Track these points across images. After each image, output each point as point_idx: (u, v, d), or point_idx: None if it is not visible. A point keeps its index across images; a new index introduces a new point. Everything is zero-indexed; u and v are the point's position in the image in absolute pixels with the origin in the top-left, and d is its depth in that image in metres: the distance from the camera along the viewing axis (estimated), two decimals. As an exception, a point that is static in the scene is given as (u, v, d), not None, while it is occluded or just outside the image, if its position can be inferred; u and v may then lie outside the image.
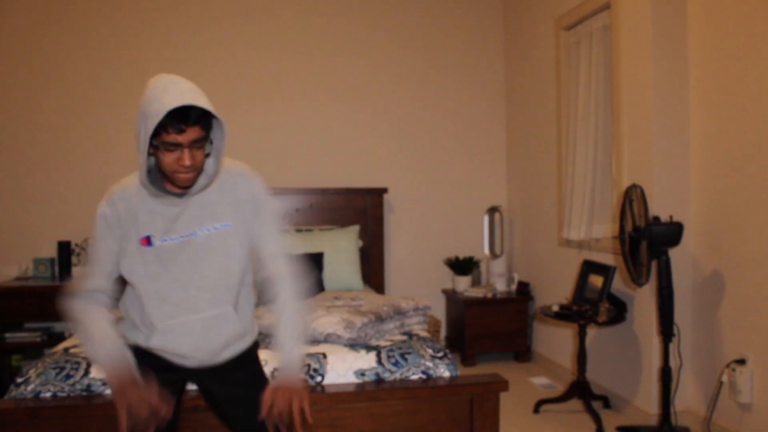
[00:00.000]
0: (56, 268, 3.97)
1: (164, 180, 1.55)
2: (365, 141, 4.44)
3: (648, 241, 2.59)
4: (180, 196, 1.56)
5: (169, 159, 1.43)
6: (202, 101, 1.41)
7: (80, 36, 4.09)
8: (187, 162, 1.42)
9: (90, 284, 1.62)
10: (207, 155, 1.52)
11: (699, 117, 2.86)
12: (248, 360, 1.75)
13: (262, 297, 1.71)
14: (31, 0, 4.03)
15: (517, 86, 4.44)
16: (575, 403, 3.25)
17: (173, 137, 1.40)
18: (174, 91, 1.39)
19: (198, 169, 1.49)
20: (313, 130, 4.36)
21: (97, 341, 1.55)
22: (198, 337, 1.60)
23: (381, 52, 4.46)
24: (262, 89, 4.29)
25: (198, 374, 1.70)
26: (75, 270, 4.00)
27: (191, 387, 2.13)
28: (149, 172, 1.55)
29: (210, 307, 1.60)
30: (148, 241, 1.57)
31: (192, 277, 1.58)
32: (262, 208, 1.66)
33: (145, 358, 1.63)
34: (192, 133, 1.42)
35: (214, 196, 1.60)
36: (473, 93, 4.60)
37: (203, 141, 1.46)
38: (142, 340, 1.65)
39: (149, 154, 1.46)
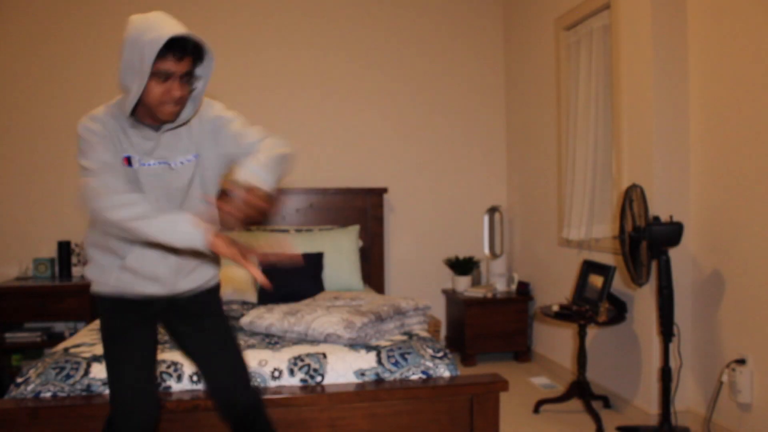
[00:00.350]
0: (56, 268, 3.98)
1: (142, 112, 1.55)
2: (365, 141, 4.44)
3: (648, 241, 2.59)
4: (155, 129, 1.58)
5: (158, 90, 1.45)
6: (199, 38, 1.46)
7: (81, 36, 4.09)
8: (178, 93, 1.45)
9: (115, 187, 1.51)
10: (191, 91, 1.54)
11: (699, 117, 2.86)
12: (213, 300, 1.81)
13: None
14: (31, 1, 4.03)
15: (517, 86, 4.44)
16: (575, 403, 3.25)
17: (169, 66, 1.42)
18: (169, 22, 1.44)
19: (183, 104, 1.52)
20: (312, 130, 4.36)
21: (167, 218, 1.48)
22: (172, 258, 1.64)
23: (381, 52, 4.46)
24: (262, 89, 4.29)
25: (164, 311, 1.73)
26: (75, 270, 4.00)
27: (183, 388, 2.13)
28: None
29: None
30: (128, 161, 1.57)
31: (170, 203, 1.62)
32: (223, 124, 1.69)
33: (113, 306, 1.66)
34: (186, 64, 1.45)
35: (184, 129, 1.63)
36: (473, 93, 4.60)
37: (192, 76, 1.50)
38: (110, 278, 1.64)
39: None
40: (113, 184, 1.49)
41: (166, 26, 1.41)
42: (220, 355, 1.73)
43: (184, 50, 1.43)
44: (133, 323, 1.66)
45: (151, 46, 1.38)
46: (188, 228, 1.44)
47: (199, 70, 1.54)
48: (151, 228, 1.44)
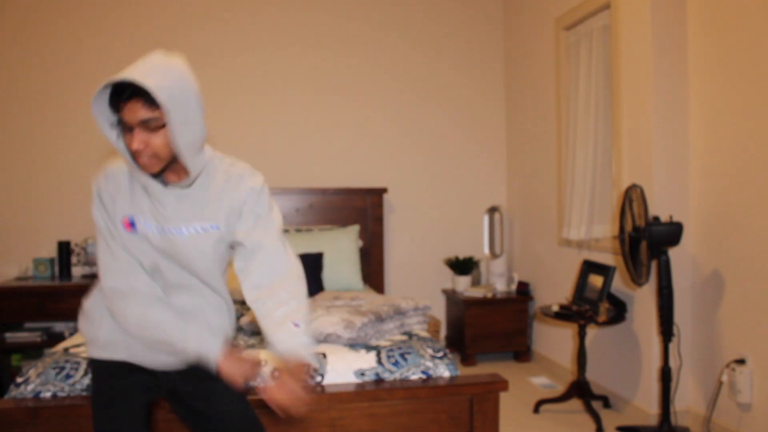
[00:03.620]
0: (56, 268, 3.97)
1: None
2: (365, 141, 4.44)
3: (648, 241, 2.59)
4: (166, 185, 1.47)
5: (126, 141, 1.35)
6: (151, 79, 1.27)
7: (81, 35, 4.09)
8: (134, 145, 1.32)
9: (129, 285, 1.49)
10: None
11: (699, 117, 2.86)
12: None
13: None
14: (32, 2, 4.03)
15: (517, 86, 4.44)
16: (575, 403, 3.25)
17: (123, 114, 1.32)
18: (132, 65, 1.32)
19: (157, 156, 1.35)
20: (313, 130, 4.36)
21: (180, 327, 1.46)
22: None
23: (381, 51, 4.45)
24: (262, 89, 4.29)
25: (166, 378, 1.61)
26: (75, 270, 4.00)
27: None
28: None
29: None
30: (131, 224, 1.47)
31: (173, 272, 1.53)
32: (253, 202, 1.55)
33: (116, 372, 1.55)
34: (134, 111, 1.30)
35: (208, 193, 1.51)
36: (473, 93, 4.60)
37: (157, 123, 1.32)
38: (119, 345, 1.55)
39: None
40: (127, 277, 1.47)
41: (122, 73, 1.30)
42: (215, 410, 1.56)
43: (120, 94, 1.30)
44: (133, 388, 1.55)
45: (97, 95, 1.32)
46: (205, 335, 1.46)
47: (177, 118, 1.33)
48: (167, 336, 1.47)
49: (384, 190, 4.29)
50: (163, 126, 1.33)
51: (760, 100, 2.49)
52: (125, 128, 1.33)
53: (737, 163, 2.62)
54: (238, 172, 1.56)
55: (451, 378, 2.20)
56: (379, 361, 2.21)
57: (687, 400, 2.92)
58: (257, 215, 1.55)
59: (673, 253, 2.81)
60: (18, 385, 2.04)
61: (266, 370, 1.47)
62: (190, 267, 1.53)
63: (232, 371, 1.45)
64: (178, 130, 1.33)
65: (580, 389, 3.05)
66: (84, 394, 2.03)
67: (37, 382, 2.04)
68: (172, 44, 4.14)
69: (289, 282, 1.54)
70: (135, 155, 1.35)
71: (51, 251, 4.03)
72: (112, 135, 1.38)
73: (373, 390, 2.08)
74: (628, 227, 2.69)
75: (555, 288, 3.90)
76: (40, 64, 4.05)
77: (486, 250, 4.51)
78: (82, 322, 1.63)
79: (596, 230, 3.43)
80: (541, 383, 3.70)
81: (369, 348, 2.28)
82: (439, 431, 2.12)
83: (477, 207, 4.60)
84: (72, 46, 4.08)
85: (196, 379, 1.58)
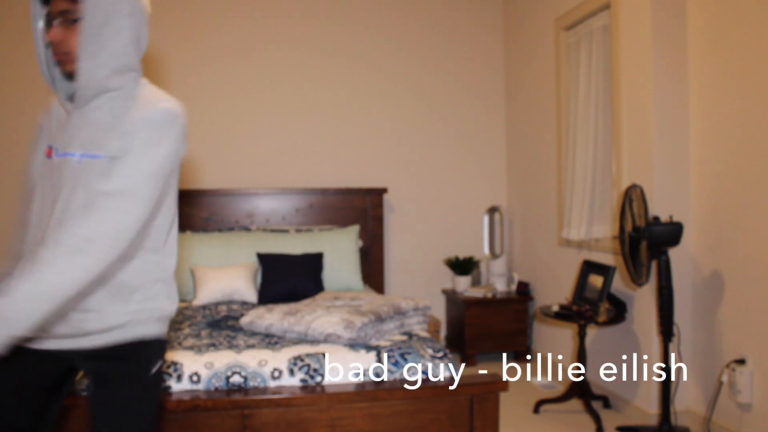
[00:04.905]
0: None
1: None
2: (365, 141, 4.44)
3: (648, 241, 2.59)
4: (70, 99, 1.33)
5: (47, 33, 1.28)
6: None
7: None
8: (49, 35, 1.26)
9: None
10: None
11: (699, 117, 2.86)
12: (135, 359, 1.32)
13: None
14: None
15: (517, 86, 4.44)
16: (575, 403, 3.25)
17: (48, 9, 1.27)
18: None
19: (69, 55, 1.27)
20: (313, 130, 4.36)
21: None
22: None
23: (381, 52, 4.45)
24: (262, 89, 4.29)
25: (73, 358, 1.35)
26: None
27: (183, 388, 2.13)
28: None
29: None
30: (51, 150, 1.34)
31: (53, 209, 1.28)
32: (133, 136, 1.25)
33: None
34: (56, 3, 1.25)
35: (108, 115, 1.28)
36: (473, 93, 4.60)
37: (73, 16, 1.25)
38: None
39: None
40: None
41: None
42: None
43: None
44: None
45: None
46: None
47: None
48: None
49: (384, 190, 4.29)
50: (79, 21, 1.25)
51: (759, 100, 2.49)
52: (49, 22, 1.28)
53: (737, 163, 2.61)
54: (151, 98, 1.30)
55: (451, 378, 2.20)
56: (379, 361, 2.21)
57: (687, 400, 2.92)
58: (128, 150, 1.25)
59: (673, 253, 2.81)
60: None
61: None
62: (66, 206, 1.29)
63: None
64: (88, 30, 1.23)
65: (580, 389, 3.05)
66: (84, 394, 2.03)
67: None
68: (175, 45, 4.15)
69: (57, 248, 1.14)
70: (53, 49, 1.29)
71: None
72: (39, 32, 1.31)
73: (373, 390, 2.08)
74: (628, 227, 2.69)
75: (555, 288, 3.90)
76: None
77: (486, 250, 4.51)
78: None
79: (596, 230, 3.43)
80: (541, 383, 3.70)
81: (369, 348, 2.28)
82: (439, 431, 2.12)
83: (477, 207, 4.60)
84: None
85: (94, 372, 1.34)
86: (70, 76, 1.30)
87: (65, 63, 1.28)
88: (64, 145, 1.30)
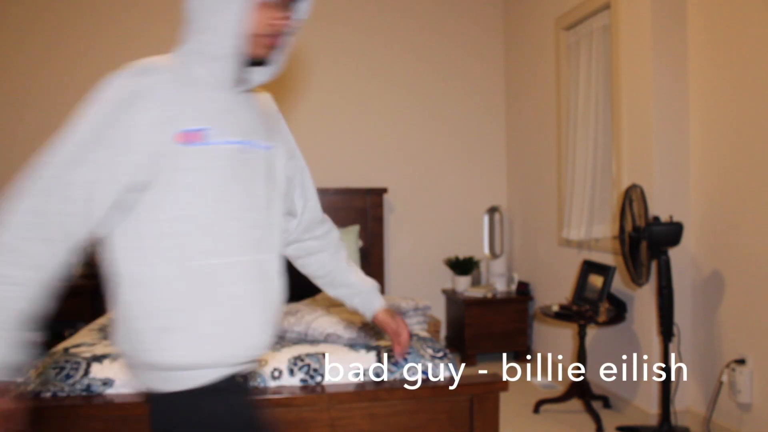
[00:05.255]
0: (56, 268, 3.97)
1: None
2: (365, 141, 4.44)
3: (648, 241, 2.59)
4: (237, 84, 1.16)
5: (262, 16, 1.10)
6: None
7: (85, 33, 4.09)
8: (286, 20, 1.11)
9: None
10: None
11: (699, 117, 2.86)
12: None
13: None
14: (33, 2, 4.03)
15: (517, 86, 4.44)
16: (575, 403, 3.25)
17: None
18: None
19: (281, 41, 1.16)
20: (312, 130, 4.36)
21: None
22: (274, 293, 1.21)
23: (380, 52, 4.45)
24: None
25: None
26: (74, 269, 4.00)
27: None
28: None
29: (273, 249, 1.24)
30: (196, 136, 1.06)
31: (261, 206, 1.17)
32: (291, 141, 1.41)
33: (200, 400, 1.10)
34: None
35: (261, 105, 1.26)
36: (473, 93, 4.60)
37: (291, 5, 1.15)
38: (178, 350, 1.07)
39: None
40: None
41: None
42: None
43: None
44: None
45: None
46: None
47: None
48: None
49: (384, 190, 4.29)
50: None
51: (759, 100, 2.49)
52: (268, 4, 1.10)
53: (737, 163, 2.61)
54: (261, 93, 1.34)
55: (451, 378, 2.20)
56: (379, 361, 2.21)
57: (687, 400, 2.92)
58: (299, 156, 1.46)
59: (673, 253, 2.81)
60: (18, 385, 2.04)
61: None
62: (272, 201, 1.30)
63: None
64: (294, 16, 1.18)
65: (580, 389, 3.05)
66: (84, 394, 2.03)
67: (37, 382, 2.04)
68: (172, 45, 4.14)
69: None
70: (265, 35, 1.12)
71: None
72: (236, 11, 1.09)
73: (372, 390, 2.08)
74: (628, 227, 2.69)
75: (555, 288, 3.90)
76: (42, 61, 4.05)
77: (486, 250, 4.51)
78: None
79: (596, 230, 3.43)
80: (541, 383, 3.70)
81: (369, 348, 2.28)
82: (439, 431, 2.12)
83: (477, 207, 4.60)
84: (76, 44, 4.07)
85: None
86: (259, 63, 1.19)
87: (274, 48, 1.18)
88: (252, 135, 1.17)
